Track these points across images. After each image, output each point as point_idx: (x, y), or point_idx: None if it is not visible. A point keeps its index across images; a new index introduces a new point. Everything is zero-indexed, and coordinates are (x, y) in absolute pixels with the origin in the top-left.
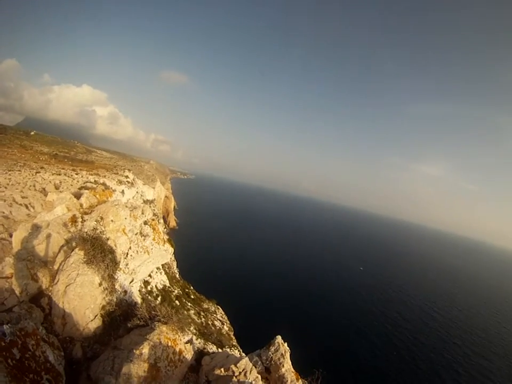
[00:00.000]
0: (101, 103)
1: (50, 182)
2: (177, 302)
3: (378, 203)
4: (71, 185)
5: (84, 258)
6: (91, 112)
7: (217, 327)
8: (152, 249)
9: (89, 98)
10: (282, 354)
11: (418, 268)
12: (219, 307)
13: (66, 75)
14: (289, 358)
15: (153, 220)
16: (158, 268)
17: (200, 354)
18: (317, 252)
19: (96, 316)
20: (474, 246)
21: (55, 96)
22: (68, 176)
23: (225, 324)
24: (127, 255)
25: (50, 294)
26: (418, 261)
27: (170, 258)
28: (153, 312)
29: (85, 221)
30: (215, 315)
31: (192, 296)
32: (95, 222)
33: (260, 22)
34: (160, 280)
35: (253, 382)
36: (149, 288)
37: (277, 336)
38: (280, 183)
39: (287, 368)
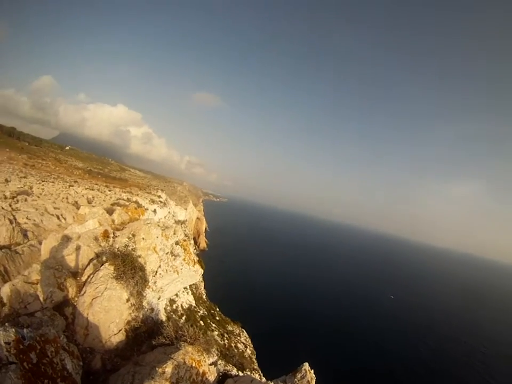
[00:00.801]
0: (136, 123)
1: (83, 196)
2: (201, 322)
3: (405, 227)
4: (104, 200)
5: (114, 273)
6: (125, 132)
7: (240, 350)
8: (181, 269)
9: (124, 118)
10: (308, 381)
11: (450, 296)
12: (243, 330)
13: (102, 95)
14: None
15: (184, 240)
16: (185, 288)
17: (223, 376)
18: (344, 277)
19: (120, 330)
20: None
21: (91, 114)
22: (101, 192)
23: (248, 347)
24: (156, 273)
25: (75, 304)
26: (453, 289)
27: (199, 279)
28: (179, 332)
29: (116, 236)
30: (238, 338)
31: (217, 318)
32: (127, 239)
33: (294, 43)
34: (186, 299)
35: None
36: (174, 307)
37: (304, 363)
38: (309, 207)
39: None
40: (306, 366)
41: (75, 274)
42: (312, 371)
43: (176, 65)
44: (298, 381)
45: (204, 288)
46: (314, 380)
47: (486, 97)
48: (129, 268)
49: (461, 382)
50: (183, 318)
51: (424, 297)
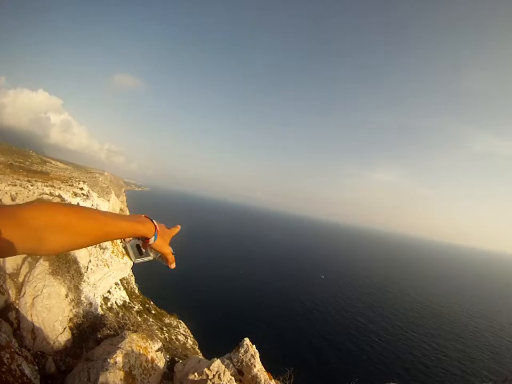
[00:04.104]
0: (56, 109)
1: (6, 193)
2: (138, 318)
3: (335, 211)
4: (27, 196)
5: (50, 268)
6: (45, 119)
7: (181, 342)
8: (111, 262)
9: (44, 104)
10: (252, 355)
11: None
12: (181, 321)
13: (23, 78)
14: (259, 359)
15: None
16: (116, 284)
17: (171, 362)
18: (277, 260)
19: (64, 328)
20: (427, 244)
21: (10, 101)
22: (24, 188)
23: (189, 337)
24: (87, 269)
25: (17, 307)
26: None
27: (129, 273)
28: (122, 321)
29: None
30: (177, 329)
31: (153, 311)
32: None
33: (217, 25)
34: (119, 296)
35: None
36: (109, 304)
37: (244, 338)
38: (237, 195)
39: (259, 368)
40: (247, 340)
41: (12, 275)
42: (254, 346)
43: (97, 46)
44: (242, 355)
45: (135, 282)
46: (258, 354)
47: (397, 92)
48: (63, 262)
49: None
50: (120, 315)
51: (352, 275)
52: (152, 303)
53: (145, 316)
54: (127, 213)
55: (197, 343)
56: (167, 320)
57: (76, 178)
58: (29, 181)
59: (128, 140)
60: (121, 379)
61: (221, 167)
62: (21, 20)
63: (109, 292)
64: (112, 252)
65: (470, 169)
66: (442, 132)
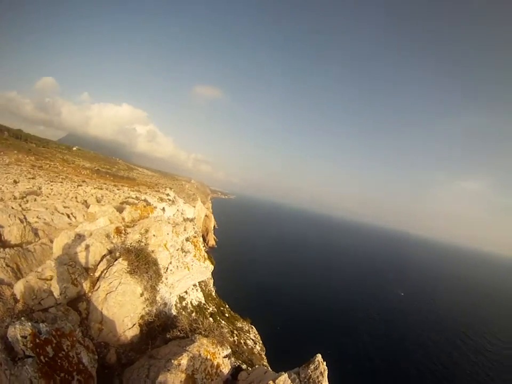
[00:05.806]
0: (141, 121)
1: (92, 195)
2: (211, 319)
3: (421, 224)
4: (113, 199)
5: (128, 268)
6: (131, 130)
7: (250, 346)
8: (192, 265)
9: (129, 117)
10: (321, 372)
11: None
12: (253, 327)
13: (106, 95)
14: (327, 377)
15: (194, 237)
16: (194, 285)
17: (236, 369)
18: (355, 274)
19: (134, 324)
20: None
21: (95, 114)
22: (110, 191)
23: (257, 343)
24: (167, 270)
25: (89, 299)
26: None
27: (208, 276)
28: (194, 325)
29: (128, 233)
30: (248, 334)
31: (226, 315)
32: (139, 235)
33: (297, 29)
34: (195, 296)
35: None
36: (183, 304)
37: (317, 354)
38: (321, 205)
39: None
40: (319, 357)
41: (88, 270)
42: (325, 363)
43: (177, 61)
44: (311, 372)
45: (213, 285)
46: (326, 372)
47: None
48: (143, 263)
49: (465, 378)
50: (193, 315)
51: (433, 294)
52: (227, 306)
53: (218, 318)
54: (212, 219)
55: (264, 349)
56: (239, 324)
57: (162, 184)
58: (115, 186)
59: (214, 149)
60: (181, 381)
61: (309, 177)
62: (100, 41)
63: (185, 292)
64: (194, 256)
65: None
66: None
